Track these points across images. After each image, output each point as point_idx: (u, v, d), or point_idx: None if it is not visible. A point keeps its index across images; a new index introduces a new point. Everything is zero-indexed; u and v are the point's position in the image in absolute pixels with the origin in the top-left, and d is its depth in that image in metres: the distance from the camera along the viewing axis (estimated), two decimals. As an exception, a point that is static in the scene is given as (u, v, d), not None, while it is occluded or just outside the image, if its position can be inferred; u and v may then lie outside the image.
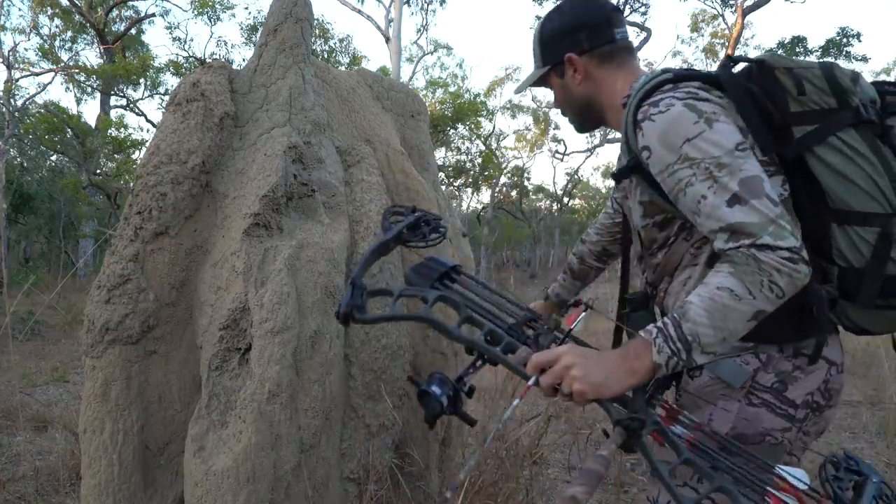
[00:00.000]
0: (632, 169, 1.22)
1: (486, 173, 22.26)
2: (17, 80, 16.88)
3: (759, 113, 1.14)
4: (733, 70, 1.21)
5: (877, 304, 1.11)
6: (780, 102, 1.14)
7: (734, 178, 1.04)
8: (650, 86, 1.16)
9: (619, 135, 1.29)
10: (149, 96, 18.11)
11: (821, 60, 1.19)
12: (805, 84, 1.11)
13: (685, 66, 23.25)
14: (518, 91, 1.49)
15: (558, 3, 1.33)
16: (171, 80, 17.63)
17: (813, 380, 1.18)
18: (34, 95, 16.79)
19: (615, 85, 1.28)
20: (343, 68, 7.03)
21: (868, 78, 1.20)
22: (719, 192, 1.04)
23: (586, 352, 1.04)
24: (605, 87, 1.29)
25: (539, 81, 1.37)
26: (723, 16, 18.10)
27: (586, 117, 1.37)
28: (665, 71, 1.20)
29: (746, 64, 1.21)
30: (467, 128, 19.78)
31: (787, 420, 1.18)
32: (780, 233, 0.99)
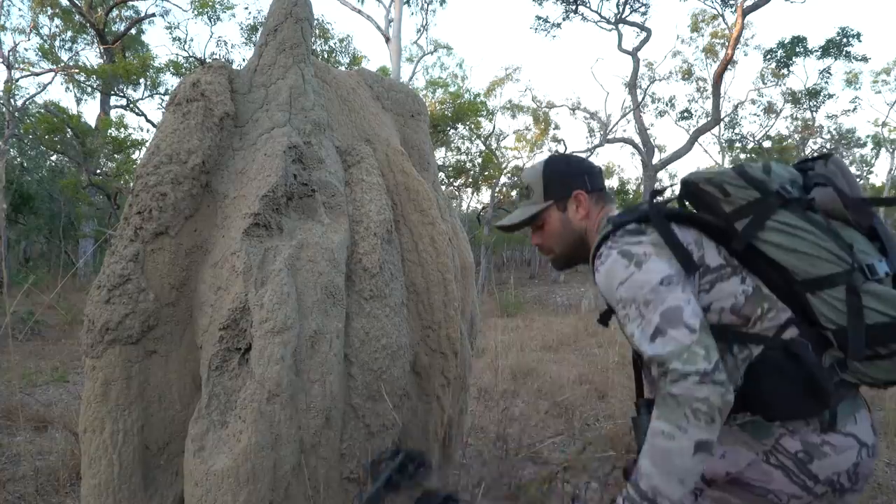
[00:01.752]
0: (610, 310, 1.39)
1: (486, 173, 22.25)
2: (17, 80, 16.87)
3: (700, 225, 1.30)
4: (661, 200, 1.38)
5: (878, 354, 1.15)
6: (715, 208, 1.29)
7: (656, 312, 1.13)
8: (598, 239, 1.33)
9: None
10: (149, 96, 18.10)
11: (734, 166, 1.32)
12: (726, 186, 1.27)
13: (684, 65, 23.26)
14: (510, 224, 1.52)
15: (551, 158, 1.50)
16: (171, 80, 17.62)
17: (843, 460, 1.17)
18: (34, 95, 16.78)
19: (598, 226, 1.44)
20: (343, 68, 7.03)
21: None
22: (645, 327, 1.14)
23: None
24: (594, 221, 1.46)
25: (531, 217, 1.49)
26: (723, 16, 18.08)
27: (575, 252, 1.49)
28: (608, 221, 1.35)
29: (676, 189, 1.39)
30: (467, 128, 19.76)
31: (802, 489, 1.17)
32: (692, 358, 1.07)
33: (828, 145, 26.64)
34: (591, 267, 1.35)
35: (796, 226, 1.20)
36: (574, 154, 1.53)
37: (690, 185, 1.34)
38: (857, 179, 1.35)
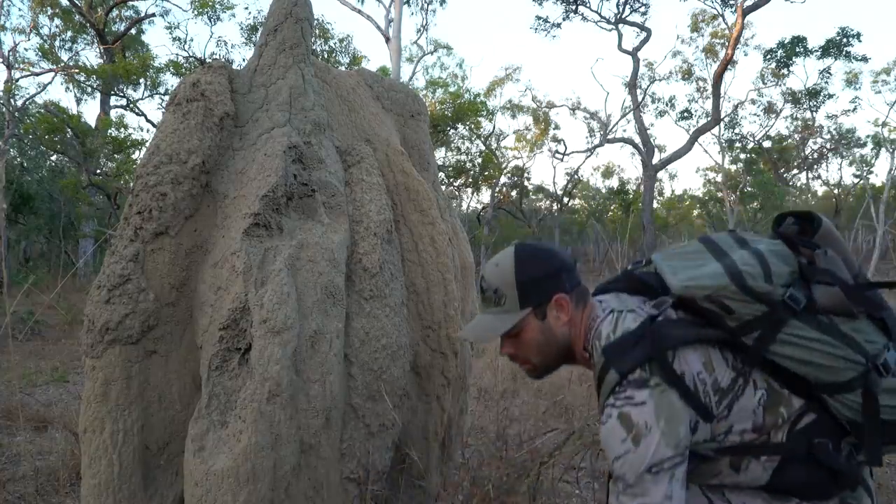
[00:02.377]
0: None
1: (486, 173, 22.25)
2: (17, 80, 16.87)
3: (705, 341, 1.21)
4: (659, 310, 1.26)
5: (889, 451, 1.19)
6: (718, 323, 1.22)
7: (634, 502, 1.14)
8: (599, 366, 1.24)
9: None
10: (149, 96, 18.09)
11: (730, 267, 1.21)
12: (728, 304, 1.19)
13: (684, 65, 23.25)
14: (482, 338, 1.36)
15: (520, 255, 1.34)
16: (171, 80, 17.62)
17: None
18: (34, 95, 16.78)
19: (583, 324, 1.34)
20: (343, 68, 7.03)
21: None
22: None
23: None
24: (577, 326, 1.34)
25: (518, 325, 1.34)
26: (723, 16, 18.09)
27: (557, 362, 1.38)
28: (603, 353, 1.24)
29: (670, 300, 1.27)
30: (467, 128, 19.77)
31: None
32: None
33: (828, 145, 26.64)
34: (595, 385, 1.27)
35: (809, 337, 1.16)
36: (542, 245, 1.38)
37: (687, 299, 1.23)
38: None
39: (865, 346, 1.16)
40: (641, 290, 1.36)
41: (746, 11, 15.48)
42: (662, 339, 1.20)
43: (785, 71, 20.68)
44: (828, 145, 26.70)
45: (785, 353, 1.18)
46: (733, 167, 27.83)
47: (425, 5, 18.98)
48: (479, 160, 21.52)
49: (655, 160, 18.84)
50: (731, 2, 16.63)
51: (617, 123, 25.66)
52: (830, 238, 1.27)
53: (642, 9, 18.02)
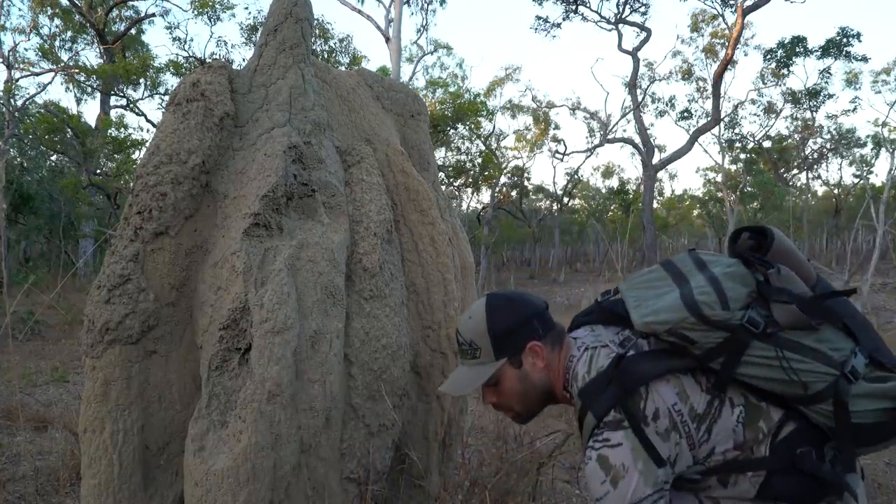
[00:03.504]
0: None
1: (486, 173, 22.24)
2: (17, 80, 16.87)
3: (675, 370, 1.23)
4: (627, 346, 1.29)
5: (868, 450, 1.20)
6: (684, 352, 1.23)
7: None
8: (579, 406, 1.26)
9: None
10: (149, 96, 18.10)
11: (686, 305, 1.21)
12: (689, 335, 1.20)
13: (684, 65, 23.24)
14: (460, 390, 1.38)
15: (491, 305, 1.35)
16: (171, 80, 17.61)
17: None
18: (34, 95, 16.77)
19: (560, 365, 1.35)
20: (343, 68, 7.03)
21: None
22: None
23: None
24: (555, 369, 1.35)
25: (486, 382, 1.36)
26: (723, 16, 18.09)
27: (540, 406, 1.40)
28: (580, 395, 1.27)
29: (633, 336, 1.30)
30: (467, 128, 19.76)
31: None
32: None
33: (828, 145, 26.63)
34: (577, 427, 1.29)
35: (772, 356, 1.18)
36: (513, 293, 1.41)
37: (650, 334, 1.25)
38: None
39: (832, 354, 1.18)
40: (615, 321, 1.37)
41: (746, 11, 15.48)
42: (631, 377, 1.22)
43: (785, 71, 20.68)
44: (828, 145, 26.69)
45: (751, 373, 1.20)
46: (733, 167, 27.84)
47: (425, 5, 18.97)
48: (479, 160, 21.52)
49: (655, 160, 18.84)
50: (731, 2, 16.63)
51: (617, 123, 25.67)
52: (784, 251, 1.28)
53: (642, 9, 18.02)
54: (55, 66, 17.26)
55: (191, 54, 17.20)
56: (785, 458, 1.22)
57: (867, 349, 1.21)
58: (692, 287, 1.23)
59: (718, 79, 16.18)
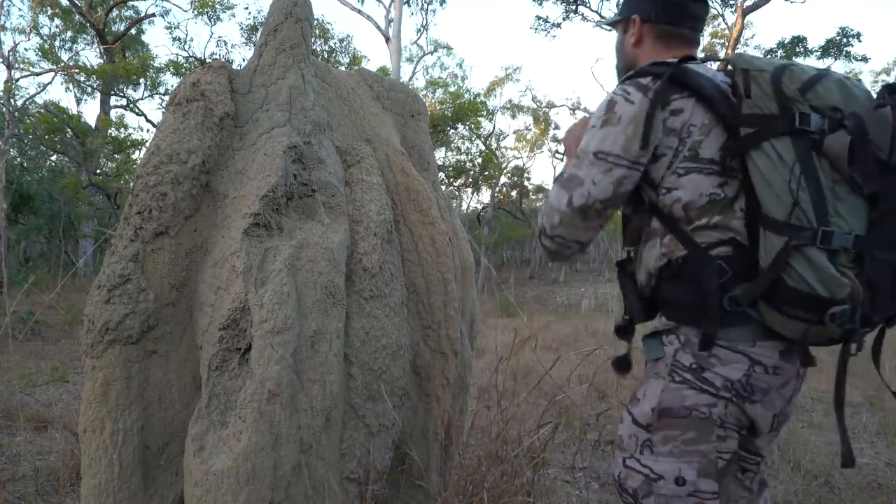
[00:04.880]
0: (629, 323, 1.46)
1: (486, 173, 22.26)
2: (17, 80, 16.87)
3: (716, 111, 1.23)
4: (698, 62, 1.33)
5: (780, 309, 1.16)
6: (736, 104, 1.21)
7: (570, 170, 1.31)
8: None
9: None
10: (149, 96, 18.11)
11: (787, 63, 1.20)
12: (753, 86, 1.17)
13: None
14: (602, 23, 1.76)
15: None
16: (171, 80, 17.63)
17: (730, 371, 1.23)
18: (34, 95, 16.78)
19: (646, 60, 1.39)
20: (343, 68, 7.03)
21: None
22: (562, 171, 1.35)
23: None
24: (646, 60, 1.39)
25: (613, 25, 1.53)
26: (723, 16, 18.09)
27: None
28: (653, 64, 1.32)
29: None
30: (467, 128, 19.77)
31: (712, 396, 1.24)
32: (548, 215, 1.33)
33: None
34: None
35: (785, 160, 1.13)
36: None
37: (730, 69, 1.25)
38: None
39: (829, 210, 1.12)
40: None
41: (746, 11, 15.48)
42: (684, 76, 1.24)
43: (785, 71, 20.67)
44: (828, 145, 26.68)
45: (758, 162, 1.16)
46: (733, 167, 27.77)
47: (425, 5, 18.99)
48: (479, 160, 21.53)
49: (655, 160, 18.82)
50: (731, 2, 16.64)
51: (617, 123, 25.59)
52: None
53: (642, 9, 18.00)
54: (55, 66, 17.27)
55: (191, 54, 17.21)
56: (701, 255, 1.23)
57: (874, 241, 1.13)
58: (803, 66, 1.19)
59: (718, 79, 16.17)
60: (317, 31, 16.67)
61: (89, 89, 19.15)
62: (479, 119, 19.89)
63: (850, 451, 1.25)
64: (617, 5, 18.21)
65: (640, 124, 1.23)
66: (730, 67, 1.26)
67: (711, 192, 1.23)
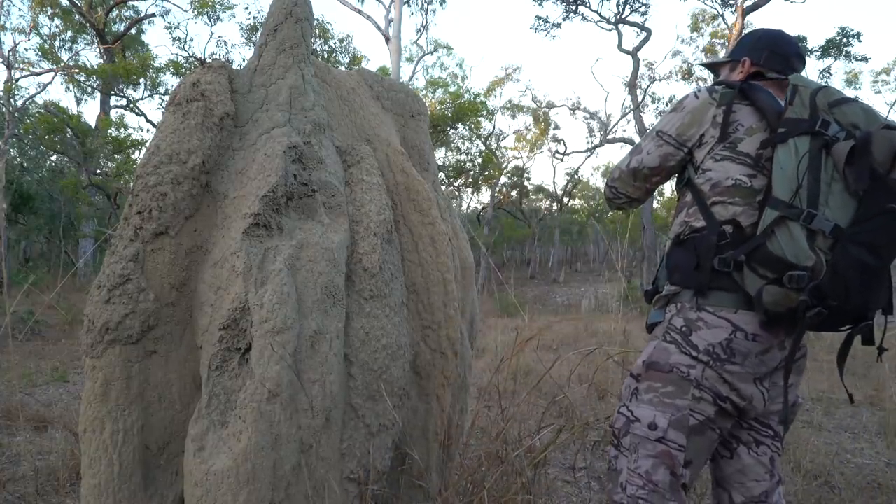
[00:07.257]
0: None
1: (486, 173, 22.25)
2: (17, 80, 16.87)
3: (762, 121, 1.48)
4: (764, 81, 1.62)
5: (760, 273, 1.36)
6: (783, 111, 1.44)
7: (641, 141, 1.66)
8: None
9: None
10: (149, 96, 18.10)
11: (826, 85, 1.47)
12: (796, 98, 1.42)
13: (684, 65, 23.24)
14: (705, 64, 1.92)
15: (771, 30, 1.69)
16: (171, 80, 17.63)
17: (714, 334, 1.44)
18: (34, 95, 16.78)
19: None
20: (343, 68, 7.02)
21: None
22: (637, 142, 1.65)
23: None
24: None
25: (714, 67, 1.81)
26: (723, 16, 18.09)
27: None
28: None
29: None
30: (467, 128, 19.77)
31: (691, 359, 1.45)
32: (614, 169, 1.73)
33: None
34: None
35: (800, 152, 1.35)
36: (785, 33, 1.67)
37: (790, 85, 1.48)
38: None
39: (821, 199, 1.32)
40: None
41: (746, 11, 15.48)
42: (750, 89, 1.51)
43: (785, 71, 20.63)
44: (828, 145, 26.64)
45: (780, 154, 1.38)
46: (733, 167, 27.74)
47: (425, 5, 18.99)
48: (479, 160, 21.53)
49: (655, 160, 18.80)
50: (731, 2, 16.64)
51: (617, 123, 25.68)
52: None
53: (642, 9, 18.03)
54: (55, 66, 17.27)
55: (191, 54, 17.21)
56: (713, 227, 1.46)
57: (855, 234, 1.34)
58: (838, 90, 1.44)
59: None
60: (317, 31, 16.66)
61: (89, 89, 19.14)
62: (479, 119, 19.88)
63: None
64: (617, 6, 18.23)
65: (696, 115, 1.53)
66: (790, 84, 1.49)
67: (738, 178, 1.47)
